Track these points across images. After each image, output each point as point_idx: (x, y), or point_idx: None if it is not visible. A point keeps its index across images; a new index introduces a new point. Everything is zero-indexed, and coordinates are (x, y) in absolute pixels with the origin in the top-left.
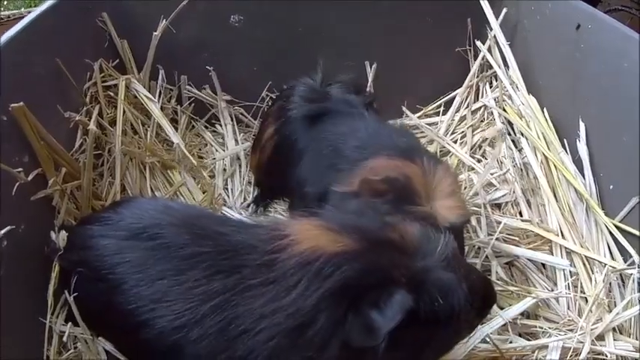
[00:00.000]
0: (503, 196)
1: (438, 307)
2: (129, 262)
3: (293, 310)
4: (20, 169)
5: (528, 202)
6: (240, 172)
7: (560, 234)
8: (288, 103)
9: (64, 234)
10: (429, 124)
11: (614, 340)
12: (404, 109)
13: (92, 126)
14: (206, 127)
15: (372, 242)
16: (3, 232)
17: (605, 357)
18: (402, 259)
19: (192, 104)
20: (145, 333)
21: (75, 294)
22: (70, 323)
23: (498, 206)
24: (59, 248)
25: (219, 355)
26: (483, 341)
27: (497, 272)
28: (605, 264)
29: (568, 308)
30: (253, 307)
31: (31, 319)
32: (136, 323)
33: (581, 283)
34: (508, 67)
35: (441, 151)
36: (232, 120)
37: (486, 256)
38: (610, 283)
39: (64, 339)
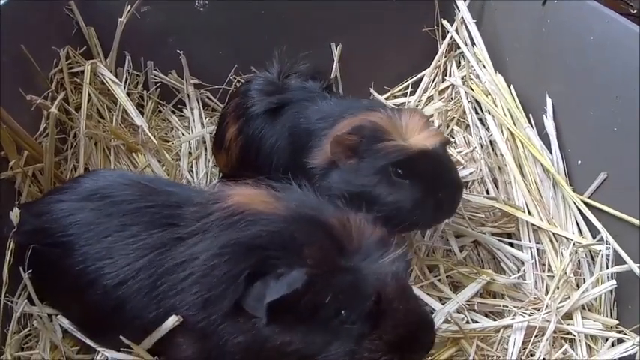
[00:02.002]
0: (470, 174)
1: (324, 304)
2: (79, 222)
3: (203, 257)
4: None
5: (495, 181)
6: (205, 155)
7: (526, 211)
8: (246, 99)
9: (16, 211)
10: (397, 105)
11: (583, 318)
12: (371, 90)
13: (54, 109)
14: (173, 112)
15: (302, 216)
16: None
17: (573, 336)
18: (326, 244)
19: (159, 89)
20: (92, 293)
21: (30, 270)
22: (25, 301)
23: (465, 185)
24: (14, 226)
25: (153, 311)
26: (446, 321)
27: (455, 253)
28: (572, 240)
29: (535, 287)
30: (178, 258)
31: None
32: (84, 284)
33: (548, 261)
34: (475, 45)
35: None
36: (199, 104)
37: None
38: (579, 261)
39: (20, 317)
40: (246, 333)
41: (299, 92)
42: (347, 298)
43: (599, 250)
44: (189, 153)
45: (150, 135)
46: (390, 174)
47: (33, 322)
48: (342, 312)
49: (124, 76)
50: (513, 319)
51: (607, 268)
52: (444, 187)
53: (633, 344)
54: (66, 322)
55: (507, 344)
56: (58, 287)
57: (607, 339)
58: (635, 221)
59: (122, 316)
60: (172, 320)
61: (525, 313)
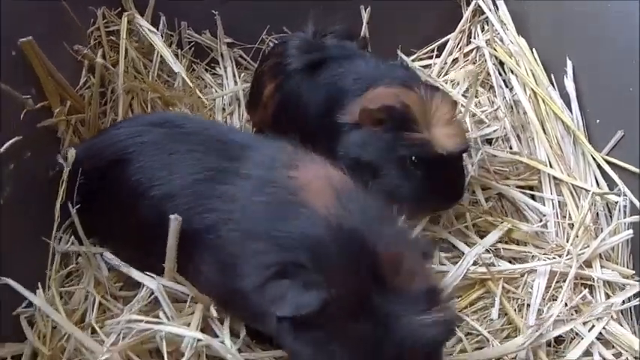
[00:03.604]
0: (494, 131)
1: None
2: (143, 142)
3: (247, 217)
4: (28, 97)
5: (518, 137)
6: (239, 110)
7: (548, 165)
8: (284, 58)
9: (72, 151)
10: (423, 67)
11: (602, 267)
12: (398, 52)
13: (99, 58)
14: (206, 70)
15: (353, 235)
16: (5, 147)
17: (592, 283)
18: (363, 277)
19: (192, 49)
20: (141, 205)
21: (78, 205)
22: (72, 238)
23: (489, 142)
24: (68, 164)
25: (192, 225)
26: (474, 264)
27: (481, 204)
28: (591, 191)
29: (556, 236)
30: (225, 194)
31: (34, 239)
32: (136, 194)
33: (569, 213)
34: (499, 10)
35: None
36: (232, 62)
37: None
38: (597, 214)
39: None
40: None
41: (337, 50)
42: (360, 353)
43: (617, 202)
44: (223, 109)
45: (188, 80)
46: (406, 161)
47: (78, 260)
48: None
49: (159, 35)
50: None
51: (624, 218)
52: (446, 195)
53: None
54: (111, 258)
55: (532, 288)
56: (108, 213)
57: (624, 287)
58: None
59: (164, 232)
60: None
61: (548, 259)
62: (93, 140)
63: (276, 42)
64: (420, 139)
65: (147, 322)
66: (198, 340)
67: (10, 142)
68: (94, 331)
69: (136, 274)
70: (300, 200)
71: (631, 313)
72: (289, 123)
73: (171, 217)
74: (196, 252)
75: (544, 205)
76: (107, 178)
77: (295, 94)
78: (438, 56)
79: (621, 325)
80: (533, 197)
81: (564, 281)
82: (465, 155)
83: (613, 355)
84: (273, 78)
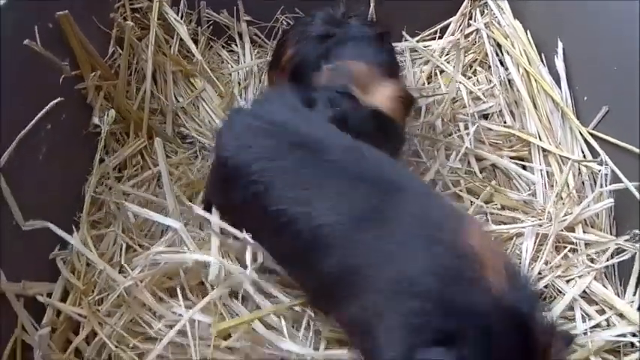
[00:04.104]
0: (490, 107)
1: None
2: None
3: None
4: (66, 63)
5: (512, 113)
6: (254, 83)
7: (538, 137)
8: (308, 26)
9: (112, 112)
10: (426, 47)
11: (585, 232)
12: (403, 33)
13: (129, 21)
14: (223, 47)
15: (514, 309)
16: (49, 107)
17: (575, 247)
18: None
19: (211, 27)
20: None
21: None
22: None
23: (486, 117)
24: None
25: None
26: None
27: (476, 173)
28: (571, 159)
29: (544, 203)
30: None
31: (67, 189)
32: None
33: (556, 182)
34: None
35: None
36: (249, 40)
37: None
38: (583, 183)
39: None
40: None
41: (357, 30)
42: None
43: (599, 171)
44: (239, 83)
45: (206, 67)
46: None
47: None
48: None
49: (179, 14)
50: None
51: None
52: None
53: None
54: (135, 207)
55: (519, 251)
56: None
57: (606, 251)
58: (632, 148)
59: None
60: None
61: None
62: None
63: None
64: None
65: (170, 252)
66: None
67: (53, 102)
68: (122, 272)
69: (158, 217)
70: (469, 263)
71: (614, 275)
72: (301, 82)
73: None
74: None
75: (533, 174)
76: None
77: (310, 58)
78: (440, 37)
79: (605, 287)
80: (524, 167)
81: (547, 240)
82: (461, 130)
83: (596, 311)
84: (295, 43)
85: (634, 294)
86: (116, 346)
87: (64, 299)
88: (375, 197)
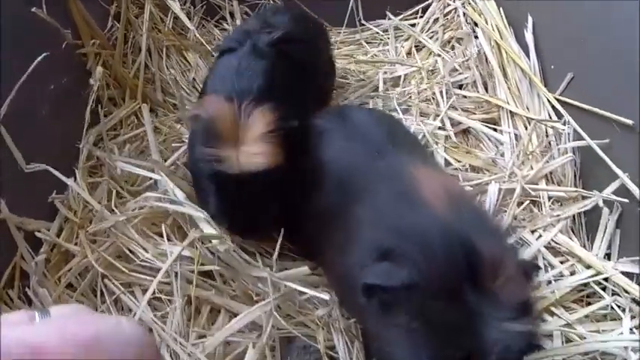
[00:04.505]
0: (465, 78)
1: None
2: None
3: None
4: (68, 31)
5: (485, 84)
6: None
7: (507, 103)
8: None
9: (100, 69)
10: (412, 26)
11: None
12: (387, 12)
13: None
14: (215, 26)
15: (460, 231)
16: (36, 61)
17: (539, 199)
18: (459, 269)
19: (204, 7)
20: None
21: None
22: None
23: (461, 87)
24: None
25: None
26: None
27: (450, 137)
28: (534, 119)
29: (513, 165)
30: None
31: (66, 141)
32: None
33: (524, 143)
34: None
35: (416, 46)
36: (241, 17)
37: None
38: (550, 143)
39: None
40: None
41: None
42: (440, 337)
43: (564, 130)
44: None
45: (199, 37)
46: (206, 177)
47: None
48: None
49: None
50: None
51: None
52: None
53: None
54: (124, 159)
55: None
56: None
57: (571, 205)
58: (595, 109)
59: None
60: None
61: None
62: None
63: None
64: (220, 155)
65: (157, 199)
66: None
67: (41, 57)
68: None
69: (144, 172)
70: (415, 195)
71: (582, 230)
72: None
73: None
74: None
75: (502, 136)
76: None
77: None
78: (422, 16)
79: (571, 239)
80: (494, 130)
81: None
82: (437, 95)
83: (560, 262)
84: None
85: (599, 247)
86: (104, 275)
87: (59, 237)
88: None
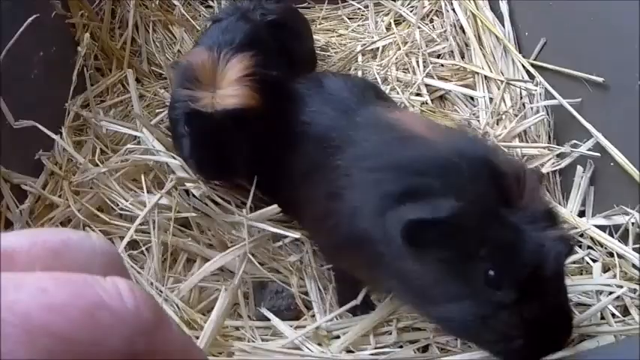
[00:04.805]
0: (442, 48)
1: (471, 252)
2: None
3: (364, 166)
4: (58, 1)
5: (462, 53)
6: None
7: (481, 68)
8: None
9: (87, 35)
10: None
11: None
12: None
13: None
14: (200, 4)
15: (471, 152)
16: (26, 23)
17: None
18: (491, 188)
19: None
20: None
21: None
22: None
23: (439, 56)
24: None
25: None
26: None
27: (427, 102)
28: (509, 79)
29: (487, 124)
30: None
31: (56, 104)
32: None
33: (496, 103)
34: None
35: (396, 21)
36: None
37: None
38: (524, 104)
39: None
40: (383, 244)
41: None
42: (500, 257)
43: (535, 91)
44: None
45: (183, 11)
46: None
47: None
48: (490, 272)
49: None
50: None
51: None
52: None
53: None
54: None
55: None
56: None
57: (545, 162)
58: (565, 70)
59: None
60: None
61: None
62: None
63: None
64: (197, 96)
65: (138, 152)
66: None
67: (32, 17)
68: None
69: (125, 130)
70: (407, 136)
71: (556, 187)
72: None
73: None
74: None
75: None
76: None
77: None
78: None
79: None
80: (472, 98)
81: None
82: (414, 65)
83: None
84: None
85: (574, 204)
86: (85, 224)
87: (44, 190)
88: None
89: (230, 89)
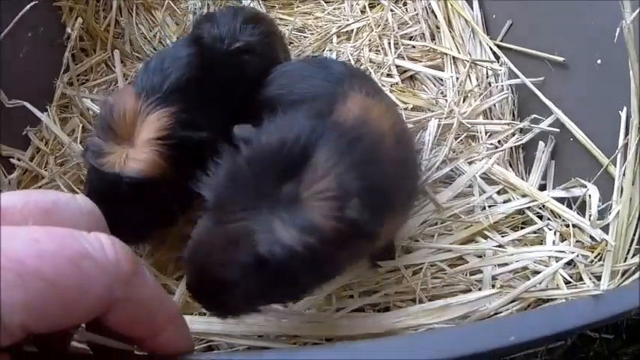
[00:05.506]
0: (414, 30)
1: None
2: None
3: None
4: None
5: (432, 35)
6: (207, 10)
7: (450, 49)
8: None
9: (80, 20)
10: None
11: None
12: None
13: None
14: None
15: None
16: (22, 12)
17: (477, 134)
18: None
19: None
20: None
21: None
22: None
23: (411, 38)
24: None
25: None
26: None
27: (397, 82)
28: (475, 60)
29: (453, 102)
30: None
31: (43, 82)
32: None
33: (461, 82)
34: None
35: (370, 4)
36: None
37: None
38: (490, 84)
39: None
40: None
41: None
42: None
43: (500, 71)
44: (194, 12)
45: None
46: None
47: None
48: None
49: None
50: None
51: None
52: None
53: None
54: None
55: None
56: None
57: (507, 139)
58: (529, 50)
59: None
60: None
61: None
62: None
63: None
64: (98, 147)
65: None
66: None
67: (30, 5)
68: None
69: None
70: None
71: (519, 162)
72: None
73: None
74: None
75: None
76: None
77: None
78: None
79: (507, 170)
80: (441, 79)
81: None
82: (386, 46)
83: (497, 192)
84: None
85: (535, 178)
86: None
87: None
88: None
89: (138, 151)
